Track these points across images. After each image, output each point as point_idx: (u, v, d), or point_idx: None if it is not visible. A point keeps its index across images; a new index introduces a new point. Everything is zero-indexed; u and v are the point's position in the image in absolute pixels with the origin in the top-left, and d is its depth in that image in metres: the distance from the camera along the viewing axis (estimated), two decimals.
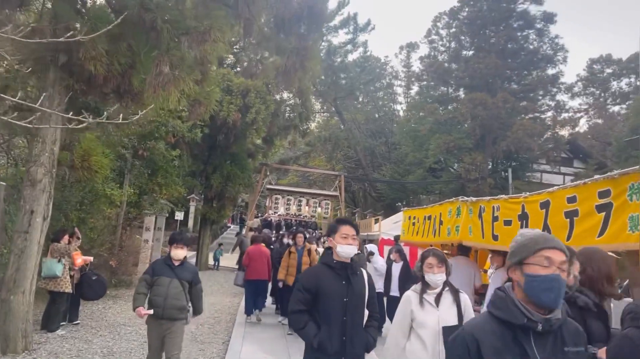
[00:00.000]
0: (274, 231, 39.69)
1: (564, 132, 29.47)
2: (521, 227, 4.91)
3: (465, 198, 6.59)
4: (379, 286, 8.40)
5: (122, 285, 13.59)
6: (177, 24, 6.47)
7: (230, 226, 41.13)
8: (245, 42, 10.76)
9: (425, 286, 3.64)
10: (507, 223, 5.19)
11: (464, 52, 28.25)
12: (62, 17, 6.21)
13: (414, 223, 8.96)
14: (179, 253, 5.11)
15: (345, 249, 3.36)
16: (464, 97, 22.89)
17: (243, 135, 18.11)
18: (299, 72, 7.44)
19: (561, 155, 27.93)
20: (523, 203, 4.90)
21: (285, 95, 20.36)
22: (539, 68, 25.64)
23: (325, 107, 34.30)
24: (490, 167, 26.08)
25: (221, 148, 19.00)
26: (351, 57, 31.77)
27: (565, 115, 29.92)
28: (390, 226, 17.96)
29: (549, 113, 28.57)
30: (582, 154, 33.26)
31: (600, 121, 46.06)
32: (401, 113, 38.75)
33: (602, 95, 48.55)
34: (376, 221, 17.64)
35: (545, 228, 4.52)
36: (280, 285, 8.60)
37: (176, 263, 5.13)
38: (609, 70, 47.66)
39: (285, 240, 9.65)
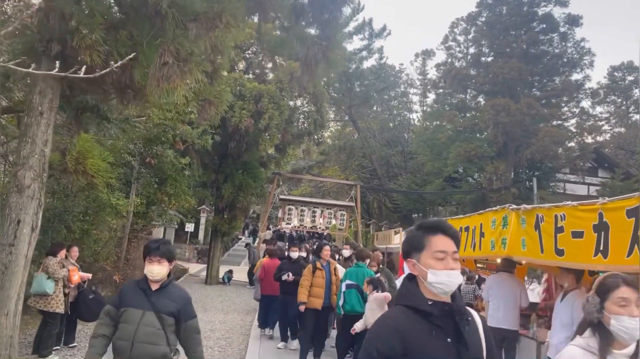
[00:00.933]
0: (287, 244, 38.99)
1: (589, 140, 28.35)
2: (598, 240, 4.05)
3: (515, 206, 5.74)
4: None
5: None
6: (184, 9, 5.74)
7: (241, 239, 40.34)
8: (261, 36, 9.94)
9: (608, 339, 2.20)
10: (577, 235, 4.33)
11: (483, 58, 27.39)
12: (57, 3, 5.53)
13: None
14: (156, 270, 3.34)
15: (446, 278, 1.89)
16: (485, 103, 21.98)
17: (255, 142, 17.38)
18: (321, 64, 6.63)
19: (586, 164, 26.82)
20: (600, 210, 4.04)
21: (299, 102, 19.65)
22: (563, 74, 24.70)
23: (339, 116, 33.58)
24: (512, 176, 25.05)
25: (232, 157, 18.30)
26: (366, 64, 31.12)
27: (588, 123, 28.80)
28: None
29: (573, 121, 27.56)
30: (608, 163, 32.09)
31: (622, 130, 44.83)
32: (417, 122, 37.90)
33: (624, 103, 47.37)
34: (396, 232, 16.76)
35: (636, 241, 3.66)
36: (302, 308, 7.29)
37: (153, 287, 3.39)
38: (630, 78, 46.53)
39: (296, 254, 8.63)
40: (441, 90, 32.68)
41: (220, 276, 19.38)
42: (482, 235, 6.56)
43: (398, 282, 8.00)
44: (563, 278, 5.35)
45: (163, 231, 17.96)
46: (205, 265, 20.59)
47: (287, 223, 22.86)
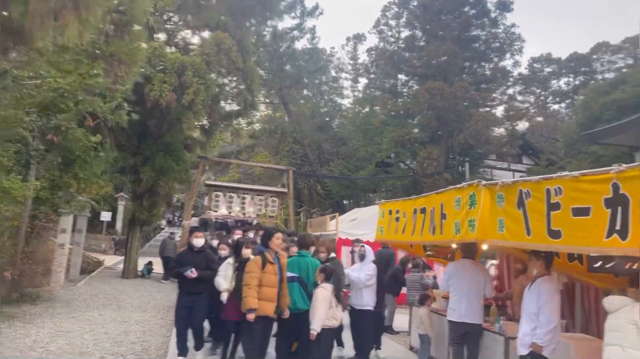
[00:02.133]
0: (211, 234, 37.22)
1: (518, 127, 29.03)
2: (613, 217, 3.27)
3: (488, 182, 4.95)
4: (365, 301, 6.59)
5: (26, 300, 11.07)
6: None
7: (164, 228, 38.18)
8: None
9: None
10: (581, 212, 3.55)
11: (416, 43, 27.13)
12: None
13: (397, 219, 7.25)
14: None
15: None
16: (419, 86, 21.68)
17: (178, 121, 15.83)
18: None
19: (514, 150, 27.43)
20: (616, 180, 3.25)
21: (227, 80, 18.23)
22: (493, 60, 24.94)
23: (269, 99, 32.25)
24: (445, 161, 25.06)
25: (153, 137, 16.61)
26: (298, 45, 29.98)
27: (517, 110, 29.54)
28: (347, 225, 16.34)
29: (501, 108, 28.09)
30: (532, 150, 33.21)
31: (541, 119, 47.03)
32: (348, 107, 37.36)
33: (543, 94, 49.68)
34: (332, 218, 15.93)
35: None
36: (252, 317, 5.42)
37: None
38: (548, 69, 48.84)
39: (200, 241, 6.59)
40: (373, 75, 32.31)
41: (140, 268, 17.70)
42: (443, 216, 5.75)
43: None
44: (532, 264, 4.65)
45: (73, 221, 15.97)
46: (124, 257, 18.79)
47: (215, 211, 21.38)
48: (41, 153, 12.22)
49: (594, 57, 48.30)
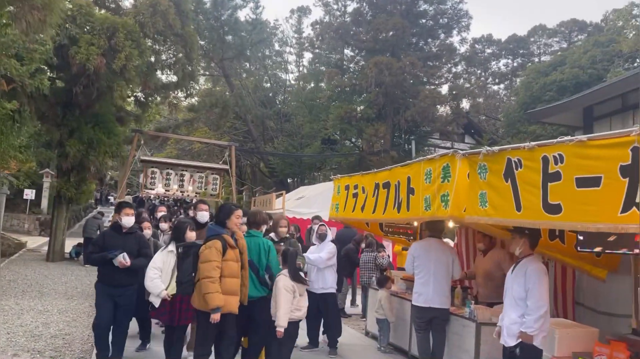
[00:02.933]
0: (150, 214, 35.47)
1: (463, 105, 29.22)
2: (631, 187, 2.78)
3: (467, 151, 4.43)
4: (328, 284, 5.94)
5: None
6: None
7: (97, 208, 36.05)
8: None
9: None
10: (587, 182, 3.05)
11: (363, 17, 26.49)
12: None
13: (355, 194, 6.65)
14: None
15: None
16: (367, 61, 21.13)
17: (109, 89, 14.42)
18: None
19: (459, 129, 27.65)
20: (637, 143, 2.75)
21: (165, 47, 16.86)
22: (439, 36, 24.78)
23: (209, 71, 30.73)
24: (391, 139, 24.85)
25: (80, 108, 15.11)
26: (241, 15, 28.62)
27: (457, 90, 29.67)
28: (294, 203, 15.70)
29: (445, 86, 28.10)
30: (474, 129, 33.76)
31: (481, 100, 48.08)
32: (293, 82, 36.44)
33: (483, 74, 50.82)
34: (278, 196, 15.24)
35: None
36: (217, 317, 4.37)
37: None
38: (489, 51, 49.90)
39: (130, 220, 5.35)
40: (318, 50, 31.52)
41: (67, 250, 16.32)
42: (410, 191, 5.21)
43: None
44: (515, 243, 4.16)
45: None
46: (48, 238, 17.28)
47: (151, 189, 20.12)
48: None
49: (532, 39, 49.84)
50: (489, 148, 4.03)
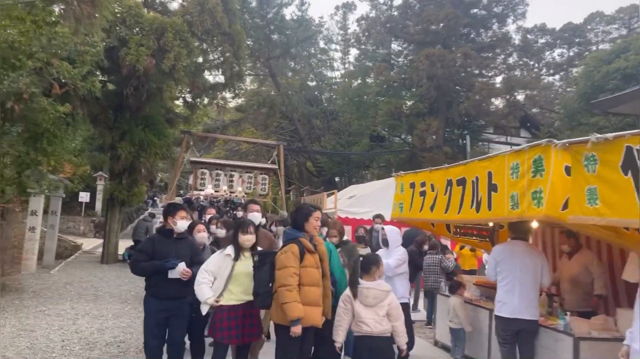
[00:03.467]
0: (199, 216, 35.74)
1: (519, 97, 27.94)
2: None
3: (574, 140, 3.82)
4: (399, 294, 5.30)
5: None
6: None
7: (148, 209, 36.77)
8: None
9: None
10: None
11: (411, 10, 25.69)
12: None
13: (423, 193, 6.10)
14: None
15: None
16: (418, 53, 20.37)
17: (159, 90, 14.42)
18: None
19: (513, 122, 26.40)
20: None
21: (213, 43, 16.71)
22: (494, 25, 23.67)
23: (254, 71, 30.69)
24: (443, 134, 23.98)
25: (131, 110, 15.19)
26: (286, 12, 28.39)
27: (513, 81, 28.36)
28: (345, 203, 15.23)
29: (499, 78, 26.91)
30: (530, 123, 32.28)
31: (534, 92, 46.05)
32: (339, 79, 35.95)
33: (537, 65, 48.66)
34: (329, 195, 14.81)
35: None
36: (298, 330, 3.87)
37: None
38: (542, 41, 47.73)
39: (184, 224, 4.85)
40: (364, 46, 30.94)
41: (120, 253, 16.47)
42: (492, 188, 4.63)
43: None
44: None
45: (45, 202, 14.60)
46: (102, 240, 17.53)
47: (201, 190, 20.14)
48: (4, 127, 10.88)
49: (588, 27, 47.35)
50: (599, 135, 3.42)
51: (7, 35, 5.83)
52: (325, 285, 4.11)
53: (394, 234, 5.72)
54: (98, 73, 13.67)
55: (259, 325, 4.54)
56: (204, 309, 4.39)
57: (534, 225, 5.25)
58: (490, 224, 6.19)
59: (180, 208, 4.91)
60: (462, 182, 5.20)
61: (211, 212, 8.85)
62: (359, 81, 30.26)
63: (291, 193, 32.05)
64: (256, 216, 5.83)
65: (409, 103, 22.97)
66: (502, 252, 4.98)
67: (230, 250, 4.51)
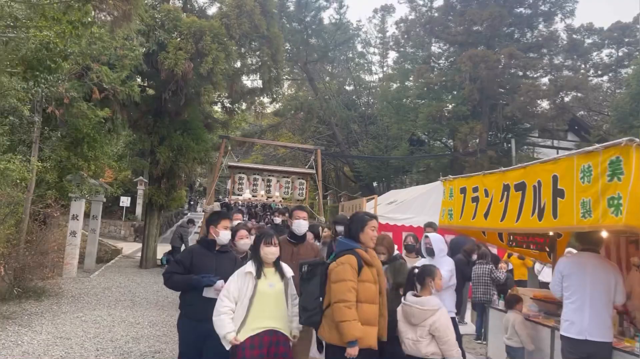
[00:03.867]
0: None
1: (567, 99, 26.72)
2: None
3: None
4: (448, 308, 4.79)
5: (30, 296, 9.88)
6: None
7: (187, 214, 37.12)
8: None
9: None
10: None
11: (453, 10, 24.99)
12: None
13: (476, 199, 5.65)
14: None
15: None
16: (461, 54, 19.70)
17: (197, 95, 14.41)
18: None
19: (562, 125, 25.23)
20: None
21: (251, 46, 16.59)
22: (540, 24, 22.73)
23: (292, 75, 30.58)
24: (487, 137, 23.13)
25: (169, 115, 15.23)
26: (324, 15, 28.19)
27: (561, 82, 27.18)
28: (385, 209, 14.77)
29: (545, 79, 25.84)
30: (578, 126, 30.93)
31: (579, 94, 44.28)
32: (377, 83, 35.47)
33: (583, 66, 46.75)
34: (369, 200, 14.39)
35: None
36: (355, 352, 3.41)
37: None
38: (589, 41, 45.84)
39: (226, 235, 4.33)
40: (403, 49, 30.40)
41: (159, 257, 16.50)
42: (558, 194, 4.15)
43: None
44: None
45: (84, 206, 14.74)
46: (141, 245, 17.62)
47: (238, 195, 20.01)
48: (45, 132, 10.97)
49: (638, 26, 45.24)
50: None
51: (43, 36, 5.72)
52: (381, 302, 3.67)
53: (439, 242, 5.23)
54: (138, 79, 13.74)
55: (287, 354, 3.80)
56: (226, 345, 3.65)
57: (605, 234, 4.74)
58: (550, 233, 5.67)
59: (224, 216, 4.44)
60: (521, 187, 4.73)
61: (238, 218, 7.56)
62: (398, 84, 29.76)
63: (328, 199, 31.73)
64: (302, 225, 5.05)
65: (450, 106, 22.29)
66: (569, 265, 4.48)
67: (250, 266, 3.81)
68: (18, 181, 9.98)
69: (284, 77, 23.39)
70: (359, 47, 35.30)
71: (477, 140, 22.48)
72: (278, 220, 10.88)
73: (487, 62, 19.02)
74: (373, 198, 13.99)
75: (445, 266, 5.03)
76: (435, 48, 27.42)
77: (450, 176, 6.63)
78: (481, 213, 5.48)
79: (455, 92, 22.89)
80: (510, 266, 8.88)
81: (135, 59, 10.85)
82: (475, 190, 5.67)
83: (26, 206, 10.66)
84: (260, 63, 15.86)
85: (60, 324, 7.82)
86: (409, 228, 12.36)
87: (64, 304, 9.46)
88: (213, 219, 4.35)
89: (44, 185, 12.42)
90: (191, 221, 17.27)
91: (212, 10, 16.90)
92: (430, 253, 5.25)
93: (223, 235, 4.24)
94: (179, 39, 12.53)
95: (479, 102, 21.09)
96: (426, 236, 5.44)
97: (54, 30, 5.91)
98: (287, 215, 7.97)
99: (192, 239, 19.74)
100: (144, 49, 11.92)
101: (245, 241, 4.80)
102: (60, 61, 5.73)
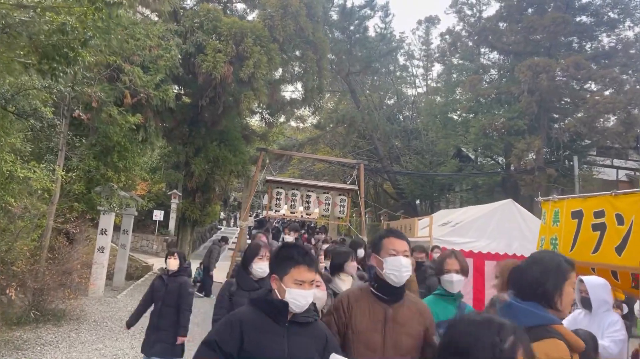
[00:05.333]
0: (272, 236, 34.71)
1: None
2: None
3: None
4: None
5: (49, 320, 8.94)
6: None
7: (221, 228, 36.31)
8: None
9: None
10: None
11: (508, 18, 23.48)
12: None
13: (600, 226, 4.30)
14: None
15: None
16: (520, 63, 18.20)
17: (235, 102, 13.43)
18: None
19: (631, 142, 23.22)
20: None
21: (296, 53, 15.61)
22: (603, 34, 21.04)
23: (332, 87, 29.58)
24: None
25: (206, 125, 14.35)
26: (369, 24, 27.10)
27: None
28: (439, 230, 13.32)
29: (607, 92, 23.95)
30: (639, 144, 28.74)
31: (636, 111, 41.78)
32: (420, 96, 34.11)
33: None
34: (421, 220, 13.01)
35: None
36: None
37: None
38: None
39: None
40: (448, 62, 29.06)
41: (193, 275, 15.47)
42: None
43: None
44: None
45: (117, 220, 13.88)
46: None
47: (276, 211, 18.94)
48: (71, 139, 10.16)
49: None
50: None
51: (62, 20, 4.76)
52: None
53: (599, 289, 3.66)
54: (176, 88, 12.90)
55: None
56: None
57: None
58: None
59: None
60: None
61: (260, 238, 6.41)
62: (444, 97, 28.39)
63: (366, 217, 30.38)
64: (404, 267, 2.67)
65: (502, 120, 20.76)
66: None
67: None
68: (39, 191, 9.17)
69: (327, 88, 22.36)
70: (402, 60, 34.16)
71: (533, 157, 20.82)
72: (290, 238, 9.68)
73: (549, 72, 17.49)
74: (430, 218, 12.60)
75: (612, 330, 3.52)
76: (484, 60, 26.01)
77: (555, 196, 5.28)
78: (611, 245, 4.14)
79: (507, 106, 21.35)
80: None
81: (170, 60, 9.96)
82: (600, 214, 4.33)
83: (49, 220, 9.80)
84: (303, 71, 14.85)
85: (76, 357, 6.79)
86: (469, 254, 10.96)
87: (84, 332, 8.47)
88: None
89: (71, 197, 11.63)
90: (224, 239, 16.19)
91: (253, 16, 16.12)
92: (587, 304, 3.73)
93: (301, 296, 2.30)
94: (218, 41, 11.61)
95: (536, 116, 19.49)
96: (581, 281, 3.76)
97: (74, 12, 4.95)
98: (303, 232, 6.67)
99: (225, 256, 18.77)
100: (181, 50, 11.03)
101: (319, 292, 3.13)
102: (78, 47, 4.79)
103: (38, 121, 7.53)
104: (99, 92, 8.79)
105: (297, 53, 14.65)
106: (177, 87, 13.93)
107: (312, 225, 29.22)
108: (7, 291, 7.13)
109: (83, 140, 9.80)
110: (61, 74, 5.41)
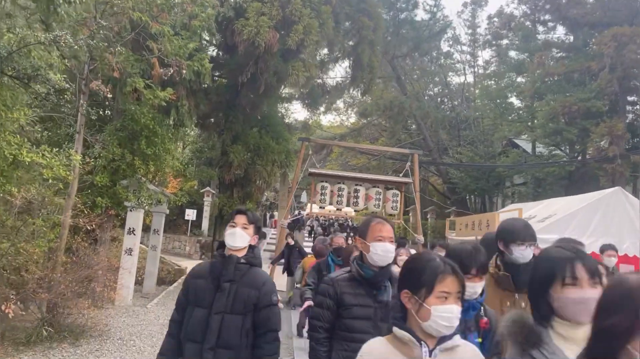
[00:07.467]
0: (309, 234, 32.99)
1: None
2: None
3: None
4: None
5: (65, 337, 7.39)
6: None
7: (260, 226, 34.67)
8: None
9: None
10: None
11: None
12: None
13: None
14: None
15: None
16: (605, 32, 15.90)
17: (279, 81, 11.68)
18: None
19: None
20: None
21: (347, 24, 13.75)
22: None
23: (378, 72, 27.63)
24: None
25: (244, 111, 12.63)
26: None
27: None
28: (536, 226, 11.32)
29: None
30: None
31: None
32: (470, 82, 31.89)
33: None
34: (509, 212, 11.02)
35: None
36: None
37: None
38: None
39: None
40: (495, 45, 26.81)
41: None
42: None
43: None
44: None
45: (142, 218, 12.29)
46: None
47: (321, 207, 17.14)
48: (90, 118, 8.62)
49: None
50: None
51: None
52: None
53: None
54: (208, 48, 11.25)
55: None
56: None
57: None
58: None
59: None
60: None
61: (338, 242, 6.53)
62: (497, 83, 26.17)
63: (410, 214, 28.33)
64: None
65: (588, 98, 18.43)
66: None
67: None
68: (53, 181, 7.63)
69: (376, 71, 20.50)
70: (445, 46, 31.96)
71: (606, 145, 18.49)
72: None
73: (637, 43, 15.22)
74: (518, 210, 10.62)
75: None
76: (546, 36, 23.71)
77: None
78: None
79: (580, 86, 19.04)
80: None
81: (207, 20, 8.27)
82: None
83: (65, 217, 8.24)
84: (355, 43, 13.00)
85: None
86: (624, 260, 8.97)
87: (106, 354, 6.88)
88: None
89: (94, 190, 10.12)
90: (262, 235, 14.65)
91: None
92: None
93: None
94: (261, 3, 9.89)
95: (617, 96, 17.19)
96: None
97: None
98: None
99: (263, 257, 17.13)
100: (218, 14, 9.35)
101: None
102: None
103: (42, 86, 5.93)
104: (121, 60, 7.17)
105: (347, 24, 12.84)
106: (212, 66, 12.31)
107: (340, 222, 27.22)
108: (3, 308, 5.51)
109: (108, 125, 8.15)
110: (64, 16, 3.75)
